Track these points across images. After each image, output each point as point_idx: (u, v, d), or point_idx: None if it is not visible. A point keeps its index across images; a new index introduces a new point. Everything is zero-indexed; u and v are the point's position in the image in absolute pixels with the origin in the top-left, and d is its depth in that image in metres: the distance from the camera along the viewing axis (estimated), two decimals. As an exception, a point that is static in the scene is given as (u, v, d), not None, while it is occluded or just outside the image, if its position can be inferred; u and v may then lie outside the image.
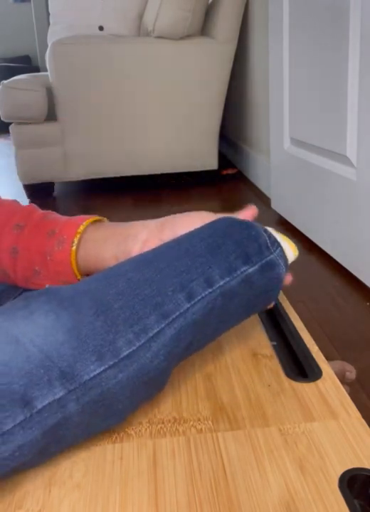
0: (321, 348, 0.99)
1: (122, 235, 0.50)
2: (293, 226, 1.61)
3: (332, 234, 1.34)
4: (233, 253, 0.42)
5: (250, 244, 0.43)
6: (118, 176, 2.19)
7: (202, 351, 0.47)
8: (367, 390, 0.84)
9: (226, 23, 2.05)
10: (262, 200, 2.01)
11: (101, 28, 2.23)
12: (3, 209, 0.55)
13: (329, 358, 0.96)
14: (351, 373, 0.68)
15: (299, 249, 0.48)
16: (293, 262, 0.47)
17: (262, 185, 2.12)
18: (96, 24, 2.24)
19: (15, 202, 0.58)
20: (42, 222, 0.53)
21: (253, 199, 2.05)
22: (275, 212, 1.78)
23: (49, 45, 2.01)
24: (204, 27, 2.13)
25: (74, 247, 0.50)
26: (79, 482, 0.34)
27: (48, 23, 2.50)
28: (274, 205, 1.79)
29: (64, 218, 0.54)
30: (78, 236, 0.50)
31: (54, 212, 0.56)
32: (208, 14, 2.12)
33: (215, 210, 0.49)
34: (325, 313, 1.12)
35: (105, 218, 0.56)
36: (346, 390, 0.64)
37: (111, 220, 0.57)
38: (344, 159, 1.24)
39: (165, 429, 0.39)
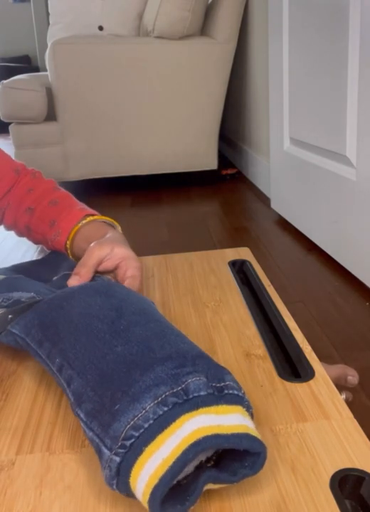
0: (321, 348, 0.99)
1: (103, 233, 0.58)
2: (293, 226, 1.61)
3: (332, 234, 1.34)
4: None
5: None
6: (118, 176, 2.19)
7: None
8: (367, 390, 0.84)
9: (226, 23, 2.04)
10: (262, 200, 2.00)
11: (101, 28, 2.23)
12: (21, 186, 0.67)
13: (328, 358, 0.96)
14: (354, 378, 0.66)
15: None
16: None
17: (261, 185, 2.12)
18: (96, 24, 2.24)
19: (35, 177, 0.69)
20: (46, 210, 0.63)
21: (253, 199, 2.05)
22: (274, 212, 1.78)
23: (49, 45, 2.01)
24: (204, 27, 2.13)
25: (68, 242, 0.60)
26: (70, 484, 0.34)
27: (48, 23, 2.51)
28: (273, 205, 1.79)
29: (66, 208, 0.63)
30: (73, 233, 0.60)
31: (65, 195, 0.66)
32: (208, 14, 2.12)
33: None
34: (325, 313, 1.12)
35: (97, 215, 0.63)
36: (348, 397, 0.63)
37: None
38: (343, 159, 1.24)
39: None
